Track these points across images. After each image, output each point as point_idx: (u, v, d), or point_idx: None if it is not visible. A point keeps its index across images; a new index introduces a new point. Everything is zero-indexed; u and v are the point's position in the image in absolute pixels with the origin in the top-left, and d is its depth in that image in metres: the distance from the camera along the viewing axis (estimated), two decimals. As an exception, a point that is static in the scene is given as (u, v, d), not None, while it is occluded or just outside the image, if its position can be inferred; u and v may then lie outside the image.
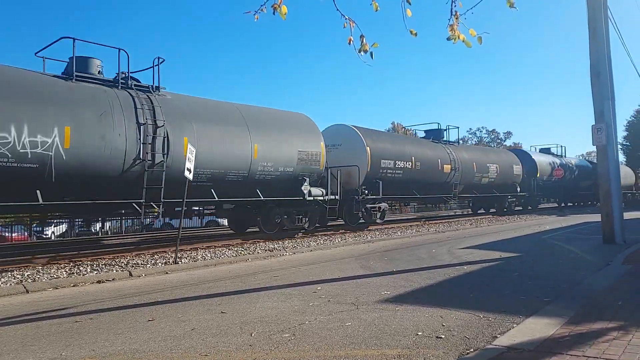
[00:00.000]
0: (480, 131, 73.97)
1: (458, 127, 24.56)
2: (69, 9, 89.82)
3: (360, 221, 17.14)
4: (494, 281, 6.83)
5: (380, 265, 8.61)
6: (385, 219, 18.95)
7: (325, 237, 14.08)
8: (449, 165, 21.00)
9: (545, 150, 34.80)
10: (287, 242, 12.89)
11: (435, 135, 22.54)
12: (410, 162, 18.60)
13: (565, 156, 35.25)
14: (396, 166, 17.91)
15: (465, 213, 31.39)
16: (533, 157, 29.67)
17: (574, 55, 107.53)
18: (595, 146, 11.30)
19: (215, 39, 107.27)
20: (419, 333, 4.24)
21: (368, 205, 17.05)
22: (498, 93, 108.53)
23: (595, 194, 35.27)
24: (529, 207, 30.00)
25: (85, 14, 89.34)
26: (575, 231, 15.19)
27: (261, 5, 3.68)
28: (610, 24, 11.30)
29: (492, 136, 73.58)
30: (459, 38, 4.10)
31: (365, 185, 16.61)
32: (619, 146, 15.52)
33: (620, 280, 6.48)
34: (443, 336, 4.13)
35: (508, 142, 70.50)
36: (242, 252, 10.92)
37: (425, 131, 23.42)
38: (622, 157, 49.84)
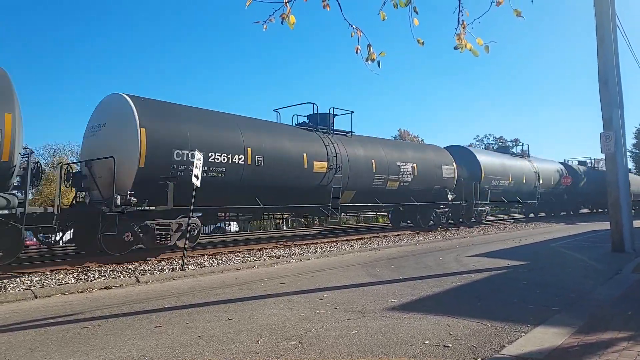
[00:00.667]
0: (488, 138, 73.79)
1: (352, 112, 17.42)
2: (73, 13, 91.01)
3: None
4: (502, 289, 6.79)
5: (386, 273, 8.59)
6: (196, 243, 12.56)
7: (332, 244, 14.07)
8: (325, 163, 15.06)
9: (503, 150, 31.63)
10: (293, 249, 12.90)
11: (315, 122, 16.27)
12: (242, 156, 12.72)
13: (529, 156, 30.38)
14: (213, 161, 12.01)
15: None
16: (477, 156, 23.71)
17: (583, 62, 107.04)
18: (604, 154, 11.23)
19: (223, 47, 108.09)
20: (426, 341, 4.22)
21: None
22: (506, 100, 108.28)
23: (574, 202, 35.45)
24: (473, 220, 23.26)
25: (89, 22, 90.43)
26: (584, 239, 15.05)
27: (270, 16, 3.73)
28: (618, 30, 11.28)
29: (500, 143, 73.29)
30: (466, 47, 4.12)
31: (137, 189, 10.73)
32: (628, 154, 15.43)
33: (630, 289, 6.41)
34: (450, 345, 4.11)
35: (515, 150, 70.12)
36: (249, 258, 10.94)
37: (307, 116, 16.96)
38: (631, 165, 49.44)
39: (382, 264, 9.85)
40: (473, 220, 23.24)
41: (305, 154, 14.52)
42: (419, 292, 6.61)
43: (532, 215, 33.48)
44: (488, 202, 23.58)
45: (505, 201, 26.42)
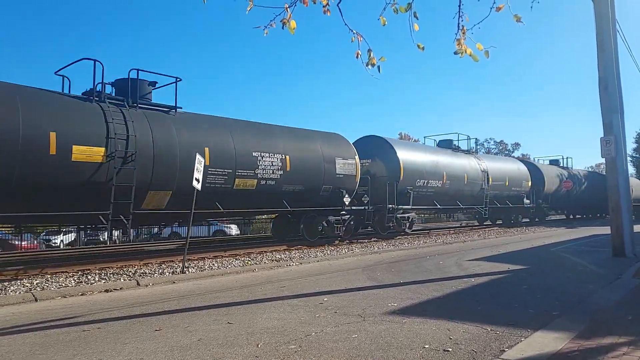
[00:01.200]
0: (489, 142, 73.78)
1: (179, 79, 12.61)
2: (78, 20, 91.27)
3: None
4: (502, 294, 6.78)
5: (387, 277, 8.58)
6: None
7: (332, 248, 14.06)
8: (100, 149, 10.02)
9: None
10: (294, 252, 12.89)
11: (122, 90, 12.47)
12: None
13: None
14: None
15: (470, 224, 30.81)
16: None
17: (583, 66, 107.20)
18: (604, 158, 11.23)
19: (223, 52, 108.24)
20: (426, 346, 4.21)
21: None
22: (506, 104, 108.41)
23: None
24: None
25: (94, 26, 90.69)
26: (584, 244, 15.04)
27: (270, 21, 3.75)
28: (618, 35, 11.30)
29: (500, 147, 73.36)
30: (466, 52, 4.13)
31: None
32: (629, 158, 15.31)
33: (630, 294, 6.41)
34: (450, 349, 4.11)
35: (516, 154, 70.24)
36: (249, 262, 10.94)
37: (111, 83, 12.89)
38: (631, 170, 49.32)
39: (383, 268, 9.84)
40: (391, 229, 18.32)
41: (53, 134, 9.31)
42: (419, 296, 6.61)
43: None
44: (411, 207, 18.80)
45: (439, 206, 21.13)
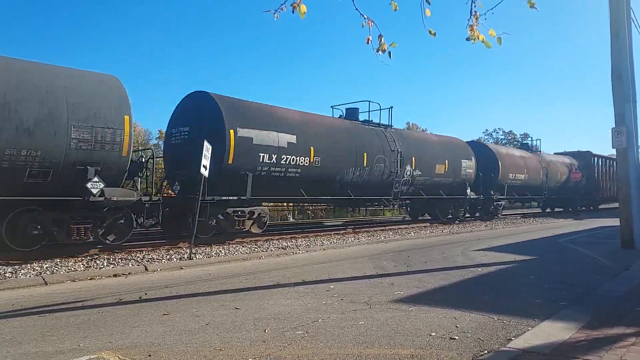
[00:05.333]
0: (497, 132, 73.25)
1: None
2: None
3: None
4: (509, 284, 6.77)
5: (393, 266, 8.59)
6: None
7: (339, 237, 14.09)
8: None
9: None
10: (300, 240, 12.94)
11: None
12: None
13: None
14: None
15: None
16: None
17: (595, 56, 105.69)
18: (615, 149, 11.10)
19: (231, 37, 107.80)
20: (433, 334, 4.22)
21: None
22: (517, 94, 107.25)
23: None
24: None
25: (95, 12, 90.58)
26: (592, 235, 14.95)
27: (281, 4, 3.71)
28: (633, 25, 11.09)
29: (509, 137, 72.79)
30: (478, 39, 4.07)
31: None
32: (640, 149, 15.11)
33: (638, 286, 6.37)
34: (457, 337, 4.11)
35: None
36: (256, 249, 10.99)
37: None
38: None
39: (389, 257, 9.85)
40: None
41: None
42: (426, 284, 6.61)
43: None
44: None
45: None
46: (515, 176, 24.23)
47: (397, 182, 17.14)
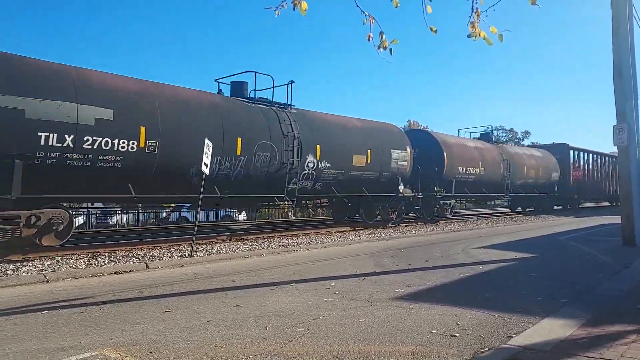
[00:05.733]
0: (498, 130, 72.96)
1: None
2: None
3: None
4: (510, 281, 6.77)
5: (394, 263, 8.59)
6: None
7: (339, 234, 14.09)
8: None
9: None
10: (301, 238, 12.94)
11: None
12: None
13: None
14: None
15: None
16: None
17: (597, 53, 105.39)
18: (616, 147, 11.08)
19: (230, 32, 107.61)
20: (433, 331, 4.23)
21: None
22: (518, 92, 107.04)
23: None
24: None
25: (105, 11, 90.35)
26: (593, 233, 14.93)
27: (282, 2, 3.69)
28: (635, 21, 11.05)
29: (510, 135, 72.66)
30: (479, 36, 4.06)
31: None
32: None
33: (639, 283, 6.36)
34: (457, 335, 4.11)
35: (526, 142, 69.57)
36: (257, 247, 11.00)
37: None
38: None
39: (390, 254, 9.85)
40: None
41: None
42: (427, 282, 6.61)
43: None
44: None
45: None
46: (466, 170, 20.34)
47: (294, 177, 13.24)
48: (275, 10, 3.72)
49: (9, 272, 7.48)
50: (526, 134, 73.17)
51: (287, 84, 13.92)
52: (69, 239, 9.84)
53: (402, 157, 16.89)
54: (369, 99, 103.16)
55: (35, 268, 7.83)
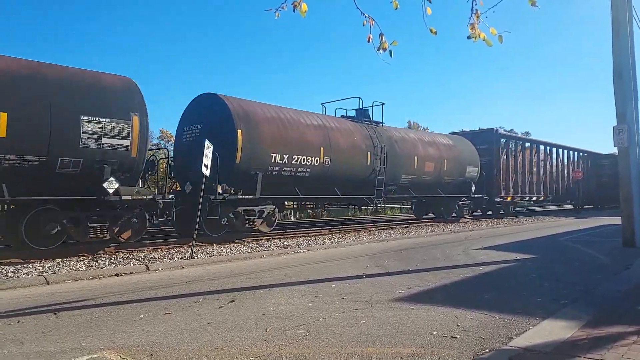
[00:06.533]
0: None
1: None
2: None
3: None
4: (510, 282, 6.77)
5: (394, 264, 8.59)
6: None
7: (340, 235, 14.09)
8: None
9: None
10: (301, 239, 12.93)
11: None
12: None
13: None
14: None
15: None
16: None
17: (597, 53, 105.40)
18: (616, 148, 11.08)
19: (230, 32, 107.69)
20: (434, 332, 4.22)
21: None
22: (517, 92, 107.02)
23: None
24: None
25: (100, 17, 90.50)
26: (594, 234, 14.93)
27: (282, 3, 3.70)
28: (635, 23, 11.06)
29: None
30: (479, 37, 4.06)
31: None
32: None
33: (639, 284, 6.36)
34: (458, 336, 4.11)
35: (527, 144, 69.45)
36: (257, 248, 10.99)
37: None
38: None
39: (390, 255, 9.85)
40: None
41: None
42: (427, 283, 6.61)
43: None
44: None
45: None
46: (288, 160, 13.39)
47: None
48: (275, 12, 3.73)
49: (9, 274, 7.47)
50: (526, 134, 73.05)
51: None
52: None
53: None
54: (369, 99, 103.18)
55: (35, 270, 7.83)
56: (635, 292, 5.86)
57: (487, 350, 3.75)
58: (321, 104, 17.71)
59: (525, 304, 5.26)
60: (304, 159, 13.96)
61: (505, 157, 24.56)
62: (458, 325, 4.44)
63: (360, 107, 17.49)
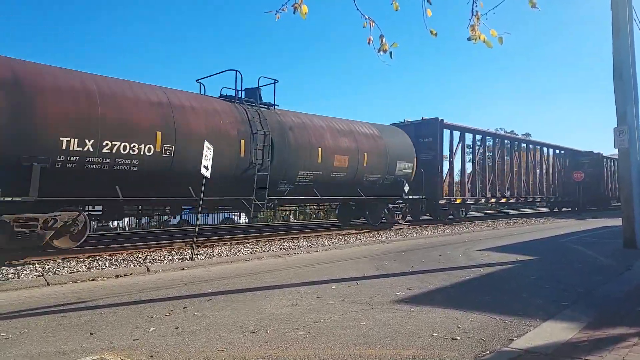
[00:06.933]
0: (499, 132, 72.97)
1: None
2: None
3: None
4: (511, 284, 6.76)
5: (395, 266, 8.59)
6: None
7: (340, 237, 14.08)
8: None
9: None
10: (302, 240, 12.93)
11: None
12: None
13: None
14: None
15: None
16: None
17: (598, 54, 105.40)
18: (617, 149, 11.07)
19: (230, 32, 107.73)
20: (434, 334, 4.22)
21: None
22: (518, 93, 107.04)
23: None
24: None
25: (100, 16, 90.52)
26: (594, 235, 14.91)
27: (282, 5, 3.71)
28: (635, 23, 11.06)
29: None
30: (479, 38, 4.07)
31: None
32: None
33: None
34: (458, 338, 4.11)
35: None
36: (258, 249, 10.99)
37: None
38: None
39: (391, 257, 9.84)
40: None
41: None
42: (428, 285, 6.61)
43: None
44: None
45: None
46: (91, 147, 9.39)
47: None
48: (275, 14, 3.74)
49: (10, 275, 7.48)
50: (527, 135, 73.03)
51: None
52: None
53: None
54: (369, 99, 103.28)
55: (36, 272, 7.83)
56: (636, 294, 5.85)
57: (488, 351, 3.75)
58: (196, 80, 13.35)
59: (525, 306, 5.25)
60: (125, 146, 9.81)
61: (460, 152, 21.41)
62: (459, 327, 4.43)
63: (240, 84, 13.06)
